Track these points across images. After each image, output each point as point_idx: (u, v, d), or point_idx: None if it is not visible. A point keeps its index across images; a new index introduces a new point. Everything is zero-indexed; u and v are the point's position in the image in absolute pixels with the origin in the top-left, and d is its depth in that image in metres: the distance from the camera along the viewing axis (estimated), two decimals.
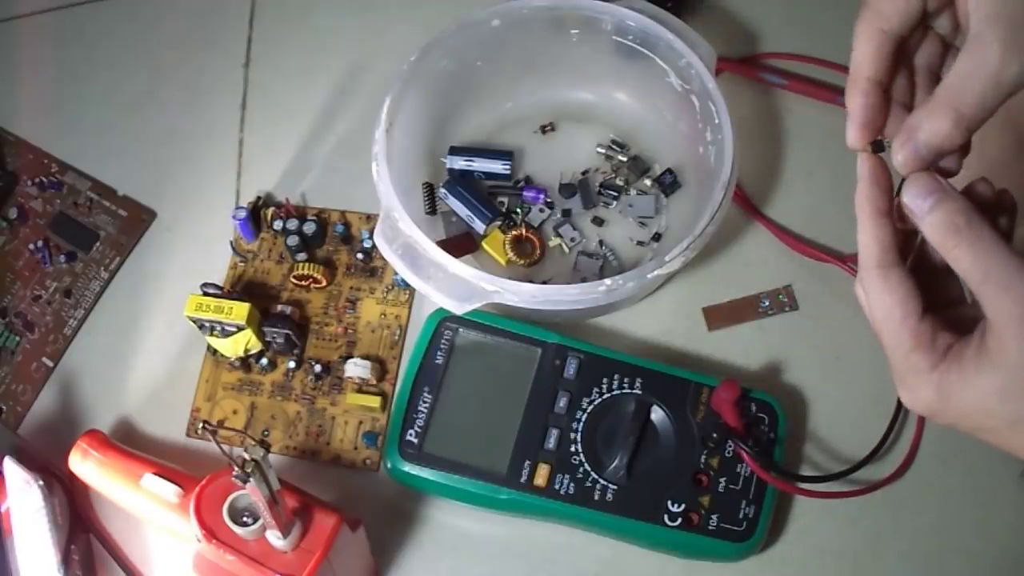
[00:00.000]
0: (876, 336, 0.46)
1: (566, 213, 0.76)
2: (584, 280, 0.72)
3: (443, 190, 0.75)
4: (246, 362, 0.72)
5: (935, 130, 0.44)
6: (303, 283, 0.74)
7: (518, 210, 0.75)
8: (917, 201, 0.44)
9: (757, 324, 0.72)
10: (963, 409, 0.43)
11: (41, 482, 0.63)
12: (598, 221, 0.76)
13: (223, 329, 0.69)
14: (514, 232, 0.74)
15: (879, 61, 0.46)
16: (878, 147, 0.46)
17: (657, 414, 0.66)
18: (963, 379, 0.42)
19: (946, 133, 0.44)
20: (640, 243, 0.75)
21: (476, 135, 0.78)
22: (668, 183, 0.76)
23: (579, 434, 0.65)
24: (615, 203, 0.75)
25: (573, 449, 0.65)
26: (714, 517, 0.63)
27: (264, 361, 0.72)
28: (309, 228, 0.75)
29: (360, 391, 0.71)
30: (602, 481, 0.64)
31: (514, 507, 0.65)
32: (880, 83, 0.47)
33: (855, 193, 0.46)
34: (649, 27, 0.71)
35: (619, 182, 0.76)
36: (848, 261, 0.73)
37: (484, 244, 0.74)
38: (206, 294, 0.70)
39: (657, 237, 0.75)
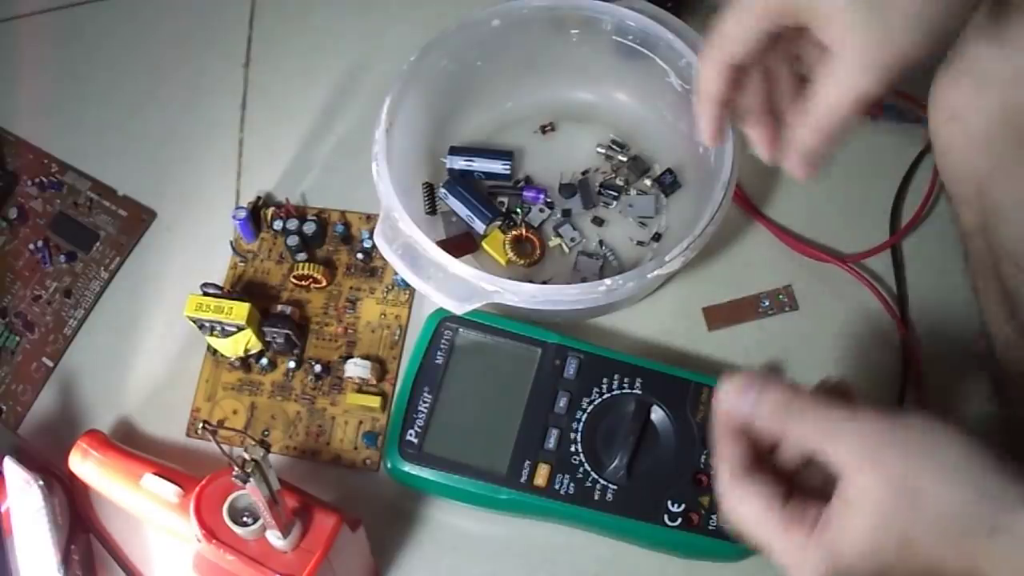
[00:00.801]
0: (751, 539, 0.48)
1: (566, 213, 0.76)
2: (584, 280, 0.72)
3: (443, 190, 0.75)
4: (246, 362, 0.72)
5: (810, 148, 0.52)
6: (303, 283, 0.74)
7: (518, 210, 0.75)
8: (738, 401, 0.48)
9: (757, 324, 0.72)
10: (856, 554, 0.44)
11: (41, 482, 0.63)
12: (598, 221, 0.76)
13: (223, 329, 0.69)
14: (514, 232, 0.74)
15: (722, 85, 0.53)
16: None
17: (657, 414, 0.66)
18: (841, 531, 0.44)
19: (820, 149, 0.52)
20: (640, 243, 0.75)
21: (476, 135, 0.78)
22: (668, 183, 0.76)
23: (579, 434, 0.65)
24: (615, 203, 0.75)
25: (573, 449, 0.65)
26: (714, 517, 0.63)
27: (264, 361, 0.72)
28: (309, 228, 0.75)
29: (360, 391, 0.71)
30: (602, 481, 0.64)
31: (514, 507, 0.65)
32: (722, 102, 0.54)
33: (713, 421, 0.49)
34: (649, 27, 0.71)
35: (619, 182, 0.76)
36: (848, 261, 0.73)
37: (484, 244, 0.74)
38: (206, 294, 0.70)
39: (657, 237, 0.75)
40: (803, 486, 0.49)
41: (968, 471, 0.43)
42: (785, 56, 0.55)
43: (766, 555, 0.47)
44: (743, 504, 0.47)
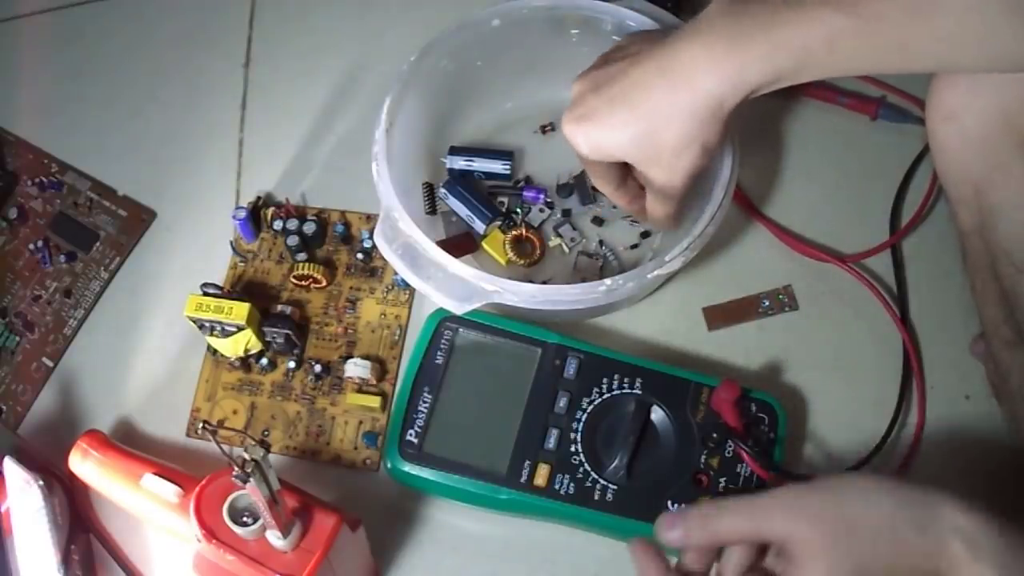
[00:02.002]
0: None
1: (566, 213, 0.76)
2: (584, 280, 0.72)
3: (443, 190, 0.75)
4: (246, 362, 0.72)
5: (663, 216, 0.66)
6: (303, 283, 0.74)
7: (518, 210, 0.75)
8: (672, 534, 0.52)
9: (757, 324, 0.72)
10: None
11: (41, 482, 0.63)
12: (598, 221, 0.76)
13: (223, 329, 0.69)
14: (514, 232, 0.74)
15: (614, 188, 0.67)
16: None
17: (657, 414, 0.66)
18: None
19: (669, 213, 0.65)
20: (634, 246, 0.74)
21: (476, 135, 0.78)
22: None
23: (579, 434, 0.65)
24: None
25: (573, 449, 0.65)
26: None
27: (264, 361, 0.72)
28: (309, 228, 0.75)
29: (360, 391, 0.71)
30: (602, 481, 0.64)
31: (514, 507, 0.65)
32: (620, 184, 0.67)
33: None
34: (649, 27, 0.71)
35: None
36: (848, 261, 0.73)
37: (484, 244, 0.74)
38: (206, 294, 0.70)
39: (646, 234, 0.74)
40: None
41: (880, 491, 0.48)
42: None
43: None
44: None
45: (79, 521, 0.67)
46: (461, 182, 0.75)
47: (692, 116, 0.57)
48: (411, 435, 0.66)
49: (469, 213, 0.74)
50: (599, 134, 0.61)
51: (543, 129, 0.79)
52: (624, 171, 0.65)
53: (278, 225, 0.76)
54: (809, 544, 0.48)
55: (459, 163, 0.76)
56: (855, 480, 0.50)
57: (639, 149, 0.60)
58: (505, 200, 0.76)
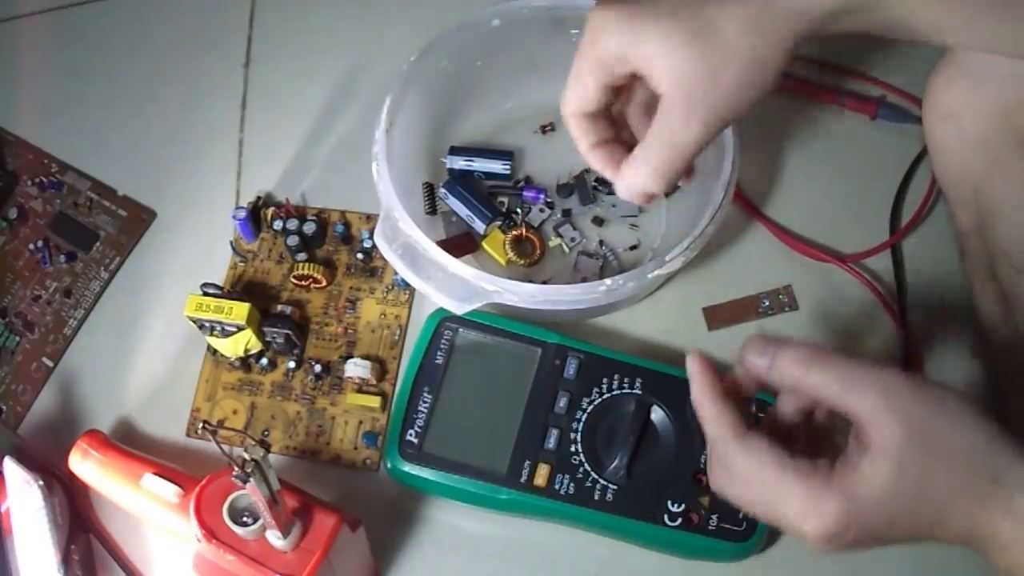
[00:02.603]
0: (755, 500, 0.48)
1: (566, 213, 0.76)
2: (584, 280, 0.72)
3: (443, 190, 0.75)
4: (246, 362, 0.72)
5: (641, 184, 0.53)
6: (303, 283, 0.74)
7: (518, 210, 0.75)
8: (759, 359, 0.49)
9: (757, 324, 0.72)
10: (874, 502, 0.45)
11: (41, 482, 0.63)
12: (598, 221, 0.76)
13: (223, 329, 0.69)
14: (514, 232, 0.74)
15: (591, 131, 0.55)
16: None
17: (657, 414, 0.66)
18: (860, 476, 0.45)
19: (651, 186, 0.52)
20: (634, 246, 0.74)
21: (476, 135, 0.78)
22: None
23: (579, 434, 0.65)
24: (611, 196, 0.75)
25: (573, 449, 0.65)
26: (714, 517, 0.63)
27: (264, 361, 0.72)
28: (309, 228, 0.75)
29: (360, 391, 0.71)
30: (602, 481, 0.64)
31: (514, 507, 0.65)
32: (602, 143, 0.55)
33: (692, 392, 0.50)
34: None
35: None
36: (848, 261, 0.73)
37: (484, 244, 0.74)
38: (206, 294, 0.70)
39: (635, 226, 0.75)
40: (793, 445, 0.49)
41: (976, 421, 0.45)
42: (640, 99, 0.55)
43: (769, 513, 0.47)
44: (752, 458, 0.47)
45: (79, 521, 0.67)
46: (461, 182, 0.75)
47: (763, 30, 0.49)
48: (411, 435, 0.66)
49: (469, 213, 0.74)
50: (633, 30, 0.50)
51: (543, 129, 0.79)
52: (607, 109, 0.56)
53: (278, 225, 0.76)
54: (888, 440, 0.45)
55: (459, 163, 0.76)
56: (958, 399, 0.46)
57: (686, 63, 0.49)
58: (505, 200, 0.76)
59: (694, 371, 0.50)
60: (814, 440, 0.52)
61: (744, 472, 0.47)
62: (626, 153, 0.54)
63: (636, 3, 0.50)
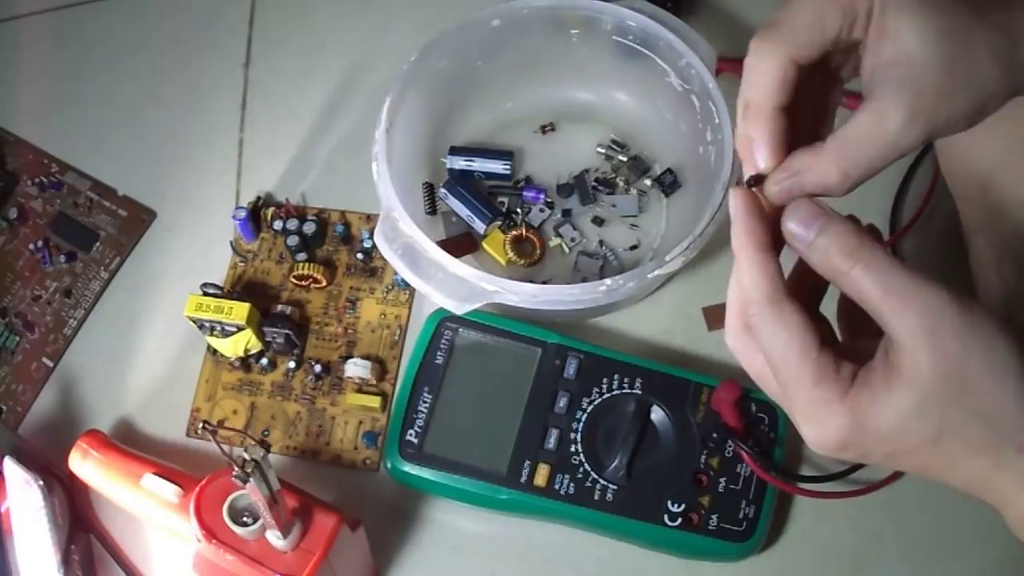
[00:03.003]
0: (764, 376, 0.44)
1: (566, 213, 0.76)
2: (584, 280, 0.72)
3: (443, 190, 0.75)
4: (246, 362, 0.72)
5: (821, 181, 0.43)
6: (303, 283, 0.74)
7: (518, 210, 0.75)
8: (802, 228, 0.43)
9: None
10: (880, 433, 0.41)
11: (41, 482, 0.63)
12: (598, 221, 0.76)
13: (223, 329, 0.69)
14: (514, 232, 0.74)
15: (785, 87, 0.44)
16: (758, 180, 0.45)
17: (657, 414, 0.66)
18: (876, 401, 0.41)
19: (832, 184, 0.43)
20: (634, 247, 0.74)
21: (476, 135, 0.78)
22: (668, 183, 0.76)
23: (579, 434, 0.65)
24: (611, 196, 0.75)
25: (573, 449, 0.65)
26: (714, 517, 0.63)
27: (264, 361, 0.72)
28: (309, 228, 0.75)
29: (360, 391, 0.71)
30: (602, 481, 0.64)
31: (514, 507, 0.65)
32: (784, 110, 0.45)
33: (733, 231, 0.44)
34: (649, 27, 0.71)
35: (618, 180, 0.76)
36: None
37: (484, 244, 0.74)
38: (206, 294, 0.70)
39: (634, 226, 0.75)
40: (828, 331, 0.45)
41: (1017, 375, 0.41)
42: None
43: (773, 393, 0.44)
44: (777, 331, 0.42)
45: (79, 521, 0.67)
46: (461, 182, 0.75)
47: (1010, 66, 0.44)
48: (411, 435, 0.66)
49: (469, 213, 0.74)
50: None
51: (543, 129, 0.79)
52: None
53: (278, 225, 0.76)
54: (917, 375, 0.40)
55: (459, 163, 0.76)
56: (1006, 344, 0.41)
57: (931, 60, 0.43)
58: (505, 200, 0.76)
59: (737, 209, 0.44)
60: (853, 325, 0.46)
61: (766, 343, 0.43)
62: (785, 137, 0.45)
63: None
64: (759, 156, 0.45)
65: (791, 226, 0.43)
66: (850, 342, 0.45)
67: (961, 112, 0.43)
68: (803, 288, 0.46)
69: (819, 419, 0.42)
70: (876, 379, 0.41)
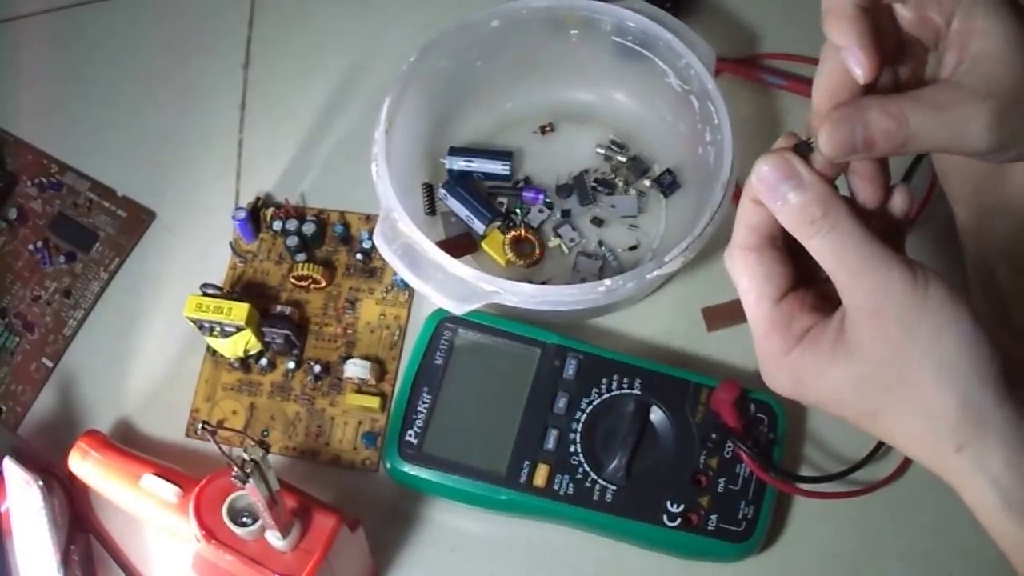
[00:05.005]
0: (742, 307, 0.46)
1: (566, 214, 0.76)
2: (584, 280, 0.72)
3: (443, 190, 0.75)
4: (246, 362, 0.72)
5: (885, 132, 0.41)
6: (302, 283, 0.74)
7: (518, 210, 0.75)
8: (769, 187, 0.42)
9: None
10: (818, 397, 0.43)
11: (41, 482, 0.63)
12: (597, 221, 0.76)
13: (223, 330, 0.69)
14: (514, 232, 0.74)
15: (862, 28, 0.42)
16: (804, 148, 0.44)
17: (656, 414, 0.66)
18: (817, 366, 0.42)
19: (892, 145, 0.42)
20: (633, 247, 0.74)
21: (476, 135, 0.79)
22: (668, 183, 0.76)
23: (578, 434, 0.65)
24: (610, 196, 0.75)
25: (572, 449, 0.65)
26: (713, 517, 0.63)
27: (264, 361, 0.72)
28: (308, 228, 0.75)
29: (359, 391, 0.71)
30: (601, 481, 0.64)
31: (514, 507, 0.65)
32: (868, 11, 0.41)
33: (745, 187, 0.45)
34: (648, 27, 0.71)
35: (618, 181, 0.76)
36: None
37: (484, 244, 0.74)
38: (206, 294, 0.70)
39: (634, 226, 0.75)
40: (816, 274, 0.44)
41: (963, 379, 0.40)
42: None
43: (747, 322, 0.45)
44: (740, 276, 0.44)
45: (79, 521, 0.67)
46: (461, 182, 0.75)
47: None
48: (410, 435, 0.66)
49: (469, 213, 0.74)
50: None
51: (543, 129, 0.79)
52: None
53: (278, 225, 0.76)
54: (862, 350, 0.41)
55: (459, 163, 0.76)
56: (957, 337, 0.40)
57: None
58: (505, 200, 0.76)
59: (758, 173, 0.43)
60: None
61: (736, 283, 0.45)
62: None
63: None
64: (853, 59, 0.41)
65: (757, 184, 0.43)
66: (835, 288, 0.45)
67: None
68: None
69: (765, 366, 0.44)
70: (823, 342, 0.42)
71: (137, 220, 0.79)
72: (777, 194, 0.42)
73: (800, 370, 0.42)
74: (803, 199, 0.42)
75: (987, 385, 0.40)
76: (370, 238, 0.75)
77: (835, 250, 0.41)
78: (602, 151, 0.77)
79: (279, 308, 0.72)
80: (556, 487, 0.64)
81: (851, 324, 0.41)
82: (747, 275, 0.44)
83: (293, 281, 0.74)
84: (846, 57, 0.42)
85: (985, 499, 0.41)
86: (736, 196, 0.73)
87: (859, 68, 0.42)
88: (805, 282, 0.45)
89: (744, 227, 0.44)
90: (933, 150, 0.43)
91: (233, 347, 0.70)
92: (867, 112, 0.41)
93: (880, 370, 0.41)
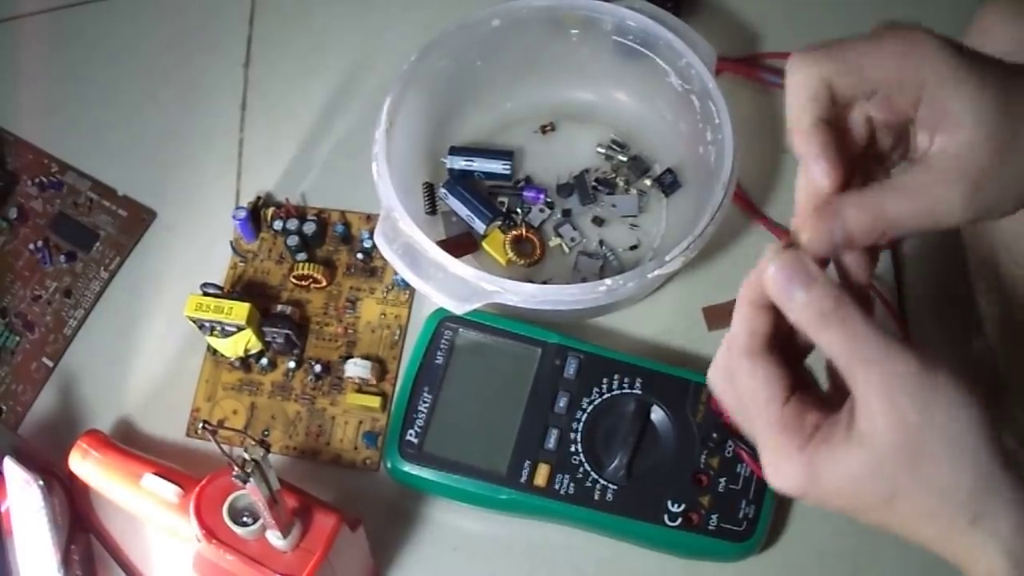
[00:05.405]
0: (740, 415, 0.46)
1: (566, 213, 0.76)
2: (584, 280, 0.72)
3: (443, 190, 0.75)
4: (246, 362, 0.72)
5: (862, 228, 0.44)
6: (303, 283, 0.74)
7: (518, 210, 0.75)
8: (780, 286, 0.44)
9: None
10: (834, 487, 0.43)
11: (41, 482, 0.63)
12: (598, 221, 0.76)
13: (223, 329, 0.69)
14: (514, 232, 0.74)
15: (819, 101, 0.44)
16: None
17: (657, 414, 0.66)
18: (833, 458, 0.42)
19: (869, 235, 0.44)
20: (634, 247, 0.74)
21: (476, 135, 0.78)
22: (668, 183, 0.76)
23: (579, 434, 0.65)
24: (610, 196, 0.75)
25: (573, 449, 0.65)
26: (714, 517, 0.63)
27: (264, 361, 0.72)
28: (309, 228, 0.75)
29: (360, 391, 0.71)
30: (602, 481, 0.64)
31: (514, 507, 0.65)
32: (828, 124, 0.44)
33: (744, 280, 0.46)
34: (649, 27, 0.71)
35: (618, 180, 0.76)
36: None
37: (484, 244, 0.74)
38: (206, 294, 0.70)
39: (634, 227, 0.75)
40: (808, 379, 0.46)
41: (975, 453, 0.42)
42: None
43: (748, 433, 0.45)
44: (746, 380, 0.45)
45: (79, 521, 0.67)
46: (461, 182, 0.75)
47: None
48: (411, 435, 0.66)
49: (469, 213, 0.74)
50: (954, 58, 0.43)
51: (543, 129, 0.79)
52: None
53: (278, 225, 0.76)
54: (876, 437, 0.41)
55: (459, 163, 0.76)
56: (967, 421, 0.41)
57: (991, 128, 0.42)
58: (505, 200, 0.76)
59: (767, 276, 0.45)
60: (835, 375, 0.46)
61: (739, 388, 0.45)
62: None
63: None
64: (817, 171, 0.44)
65: (770, 283, 0.44)
66: (832, 390, 0.46)
67: (1012, 199, 0.44)
68: (793, 336, 0.47)
69: (780, 470, 0.43)
70: (837, 435, 0.43)
71: (138, 219, 0.79)
72: (789, 292, 0.43)
73: (815, 463, 0.43)
74: (814, 294, 0.43)
75: (994, 458, 0.42)
76: (371, 238, 0.75)
77: (846, 342, 0.42)
78: (603, 151, 0.77)
79: (280, 308, 0.72)
80: (557, 487, 0.64)
81: (863, 412, 0.42)
82: (756, 378, 0.44)
83: (294, 281, 0.74)
84: (811, 170, 0.44)
85: (997, 569, 0.42)
86: (737, 197, 0.73)
87: (826, 179, 0.44)
88: (800, 386, 0.46)
89: (746, 333, 0.45)
90: (914, 232, 0.45)
91: (234, 347, 0.70)
92: (844, 211, 0.44)
93: (897, 453, 0.42)
